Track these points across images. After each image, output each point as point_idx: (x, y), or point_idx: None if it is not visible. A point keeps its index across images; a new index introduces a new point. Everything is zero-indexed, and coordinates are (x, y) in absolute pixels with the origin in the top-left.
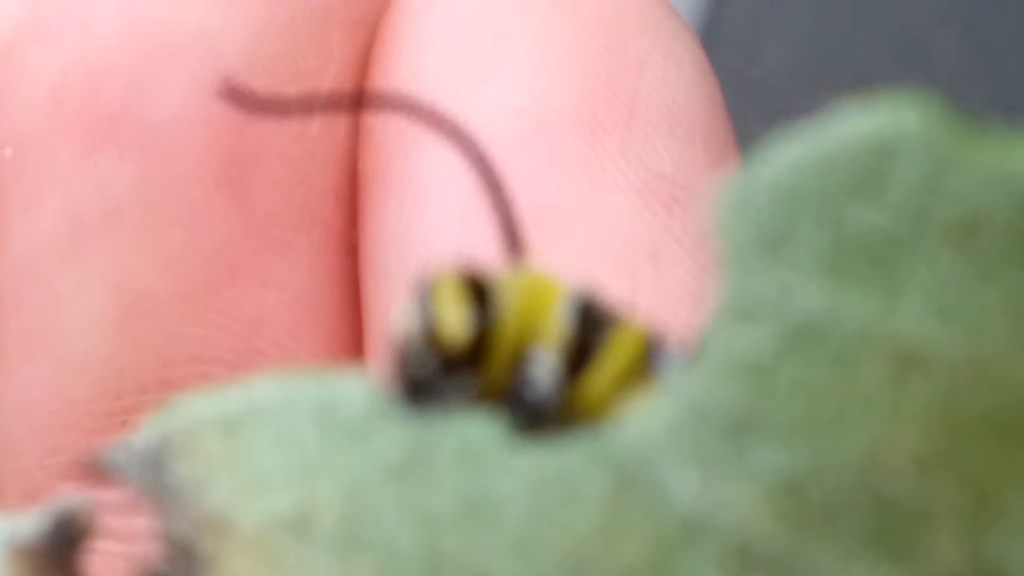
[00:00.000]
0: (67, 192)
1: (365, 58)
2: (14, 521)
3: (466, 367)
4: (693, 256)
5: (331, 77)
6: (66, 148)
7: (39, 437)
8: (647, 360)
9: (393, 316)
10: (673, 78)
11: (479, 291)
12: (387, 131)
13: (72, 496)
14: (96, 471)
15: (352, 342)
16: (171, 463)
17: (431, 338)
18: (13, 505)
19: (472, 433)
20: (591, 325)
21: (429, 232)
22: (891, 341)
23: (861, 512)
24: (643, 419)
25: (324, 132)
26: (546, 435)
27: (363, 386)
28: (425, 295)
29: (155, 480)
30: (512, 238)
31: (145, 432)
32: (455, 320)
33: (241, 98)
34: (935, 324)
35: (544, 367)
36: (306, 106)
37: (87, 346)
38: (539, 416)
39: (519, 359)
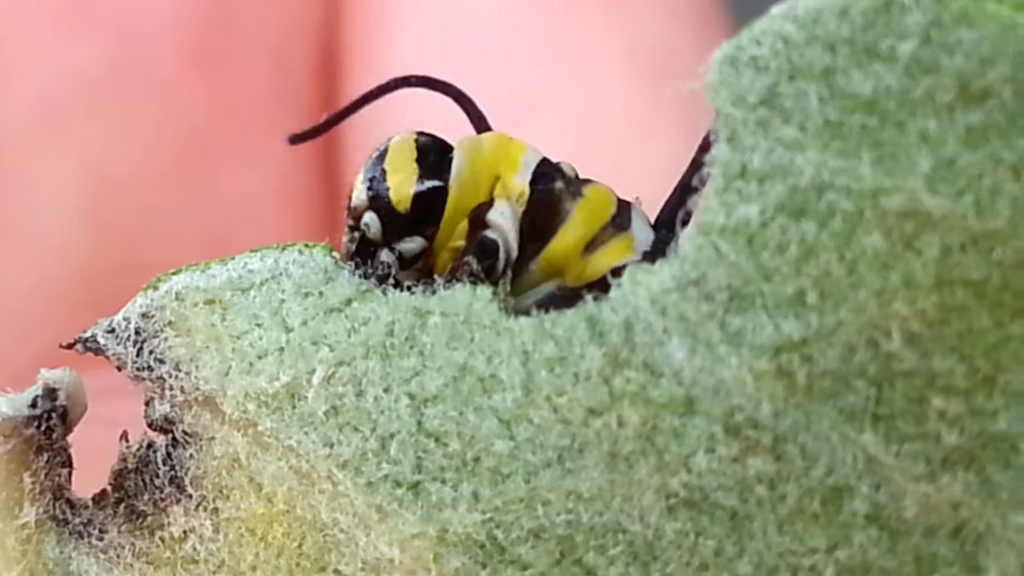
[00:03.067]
0: (39, 77)
1: None
2: None
3: (419, 226)
4: (681, 132)
5: None
6: (37, 31)
7: (14, 323)
8: (615, 219)
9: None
10: None
11: (438, 157)
12: (364, 9)
13: (55, 372)
14: (79, 350)
15: (331, 222)
16: (155, 340)
17: (381, 201)
18: None
19: (458, 308)
20: (555, 186)
21: (406, 108)
22: (899, 204)
23: (863, 382)
24: (633, 289)
25: (301, 11)
26: (524, 291)
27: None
28: (380, 158)
29: (138, 358)
30: None
31: (127, 309)
32: (402, 181)
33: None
34: (945, 189)
35: (499, 211)
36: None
37: (60, 231)
38: (495, 257)
39: (472, 213)
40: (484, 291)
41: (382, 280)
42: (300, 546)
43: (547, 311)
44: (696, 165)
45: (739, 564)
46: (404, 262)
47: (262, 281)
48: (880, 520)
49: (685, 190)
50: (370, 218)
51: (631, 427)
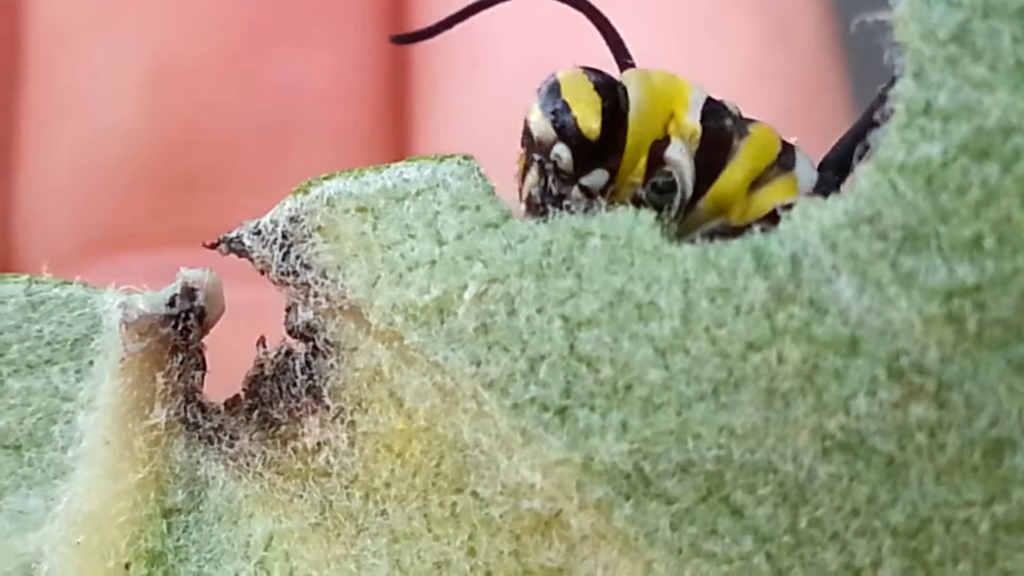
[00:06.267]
0: None
1: None
2: (130, 296)
3: (599, 162)
4: (755, 26)
5: None
6: None
7: (65, 204)
8: (780, 158)
9: (528, 113)
10: None
11: (611, 88)
12: None
13: (195, 272)
14: (222, 251)
15: (394, 110)
16: (302, 246)
17: (570, 130)
18: None
19: (619, 232)
20: (726, 124)
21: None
22: None
23: None
24: (803, 223)
25: None
26: (690, 230)
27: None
28: (555, 91)
29: (283, 262)
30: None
31: (276, 213)
32: (587, 111)
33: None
34: None
35: (677, 149)
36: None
37: (117, 112)
38: (674, 195)
39: (650, 150)
40: (647, 215)
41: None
42: (438, 465)
43: (711, 242)
44: (877, 101)
45: (891, 512)
46: (591, 197)
47: (418, 191)
48: None
49: (863, 127)
50: (560, 149)
51: (791, 364)
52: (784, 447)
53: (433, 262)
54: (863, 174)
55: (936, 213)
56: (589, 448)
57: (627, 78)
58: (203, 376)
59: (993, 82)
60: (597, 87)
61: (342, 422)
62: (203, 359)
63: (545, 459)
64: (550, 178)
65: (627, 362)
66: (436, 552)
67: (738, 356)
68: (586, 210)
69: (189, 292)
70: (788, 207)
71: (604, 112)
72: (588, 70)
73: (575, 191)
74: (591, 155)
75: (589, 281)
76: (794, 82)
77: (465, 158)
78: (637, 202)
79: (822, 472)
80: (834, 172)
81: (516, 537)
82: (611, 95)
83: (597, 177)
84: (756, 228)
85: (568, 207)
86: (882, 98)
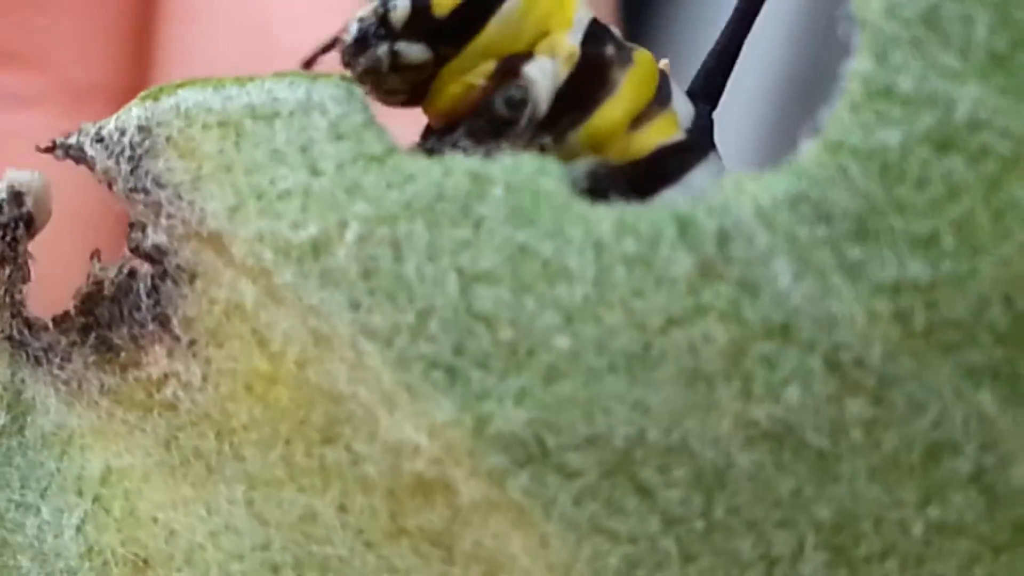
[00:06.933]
0: None
1: None
2: None
3: (441, 42)
4: None
5: None
6: None
7: None
8: (659, 93)
9: None
10: None
11: None
12: None
13: (22, 174)
14: (58, 156)
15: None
16: (153, 161)
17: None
18: None
19: (523, 182)
20: (606, 51)
21: None
22: None
23: (990, 338)
24: (736, 197)
25: None
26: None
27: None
28: None
29: (131, 177)
30: None
31: (122, 120)
32: None
33: None
34: None
35: (538, 67)
36: None
37: None
38: (522, 112)
39: (505, 60)
40: (554, 166)
41: (365, 76)
42: (307, 414)
43: (596, 182)
44: (736, 24)
45: (817, 507)
46: (397, 68)
47: (290, 112)
48: (982, 483)
49: (724, 50)
50: (403, 2)
51: (716, 345)
52: (704, 431)
53: (307, 193)
54: (806, 152)
55: (890, 204)
56: (483, 412)
57: None
58: (27, 289)
59: (963, 72)
60: None
61: (194, 356)
62: (29, 271)
63: (432, 419)
64: (372, 24)
65: (530, 325)
66: (301, 504)
67: (656, 331)
68: (486, 153)
69: (16, 197)
70: (668, 150)
71: None
72: None
73: (382, 49)
74: (427, 31)
75: (489, 233)
76: None
77: (343, 78)
78: (479, 109)
79: (744, 460)
80: (704, 102)
81: (394, 498)
82: None
83: (416, 51)
84: (677, 195)
85: (460, 146)
86: (743, 13)
